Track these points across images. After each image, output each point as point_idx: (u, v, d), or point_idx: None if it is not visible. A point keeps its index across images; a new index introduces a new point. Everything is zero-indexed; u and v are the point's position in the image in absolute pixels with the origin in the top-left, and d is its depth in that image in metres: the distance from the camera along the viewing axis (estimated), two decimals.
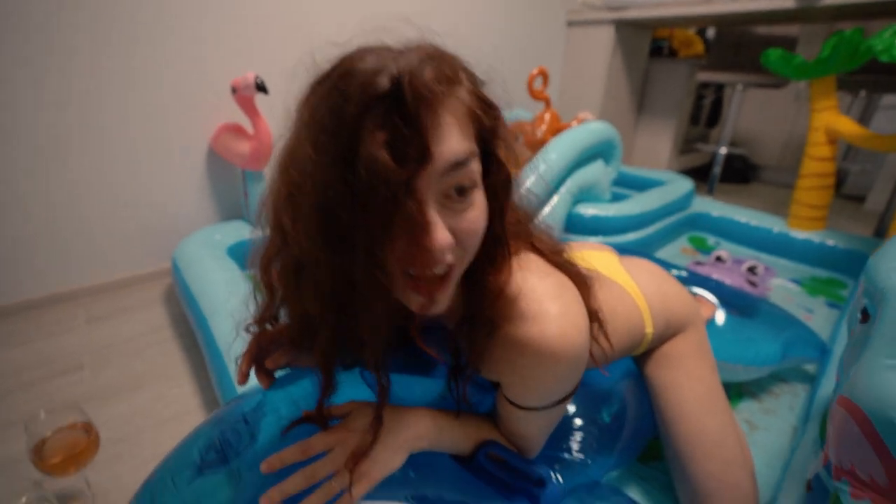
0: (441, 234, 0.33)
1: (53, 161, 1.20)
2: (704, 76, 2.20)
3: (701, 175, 2.55)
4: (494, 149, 0.37)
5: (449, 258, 0.35)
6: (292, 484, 0.39)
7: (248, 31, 1.38)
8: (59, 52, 1.13)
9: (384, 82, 0.30)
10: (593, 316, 0.44)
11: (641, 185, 1.91)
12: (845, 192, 2.64)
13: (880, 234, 1.67)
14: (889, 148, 1.37)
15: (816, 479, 0.51)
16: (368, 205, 0.31)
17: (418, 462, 0.45)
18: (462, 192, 0.34)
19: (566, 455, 0.60)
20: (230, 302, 0.97)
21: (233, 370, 0.79)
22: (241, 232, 1.37)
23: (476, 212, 0.35)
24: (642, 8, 2.05)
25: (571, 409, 0.63)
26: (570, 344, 0.40)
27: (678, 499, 0.66)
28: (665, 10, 1.98)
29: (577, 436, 0.62)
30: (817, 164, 1.54)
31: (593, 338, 0.45)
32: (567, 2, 2.29)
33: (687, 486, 0.63)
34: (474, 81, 0.36)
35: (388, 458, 0.41)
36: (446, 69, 0.33)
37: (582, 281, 0.44)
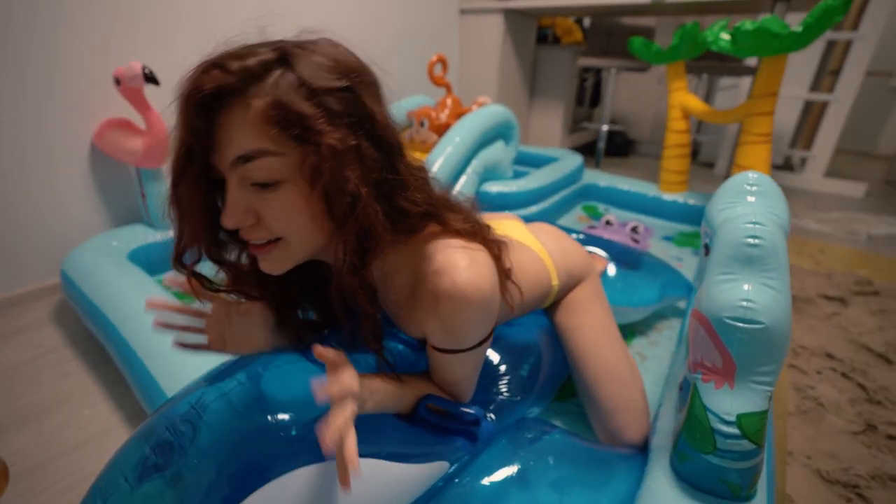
0: (229, 216, 0.42)
1: None
2: (585, 61, 2.45)
3: (587, 151, 2.83)
4: (315, 155, 0.40)
5: (256, 235, 0.43)
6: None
7: (131, 18, 1.26)
8: None
9: (184, 86, 0.39)
10: (504, 273, 0.53)
11: (538, 163, 2.09)
12: (700, 160, 3.11)
13: None
14: (725, 121, 1.67)
15: (685, 381, 0.66)
16: (177, 172, 0.42)
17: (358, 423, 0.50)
18: (263, 182, 0.41)
19: (496, 398, 0.69)
20: (143, 307, 0.92)
21: (162, 376, 0.76)
22: (142, 236, 1.27)
23: (279, 201, 0.42)
24: None
25: (496, 357, 0.73)
26: (478, 290, 0.47)
27: (590, 423, 0.80)
28: (545, 0, 2.16)
29: (504, 381, 0.71)
30: (676, 136, 1.82)
31: (505, 290, 0.54)
32: None
33: (595, 407, 0.76)
34: (303, 87, 0.39)
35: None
36: (230, 80, 0.38)
37: (491, 244, 0.52)
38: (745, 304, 0.49)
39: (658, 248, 1.62)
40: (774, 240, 0.52)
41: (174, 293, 1.23)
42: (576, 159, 2.07)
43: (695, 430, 0.52)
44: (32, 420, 0.88)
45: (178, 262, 0.48)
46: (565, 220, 1.89)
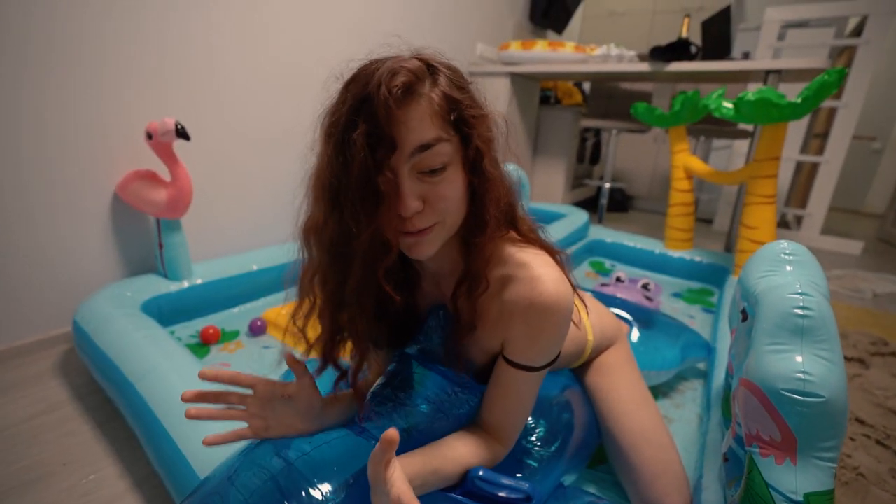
0: (409, 200, 0.45)
1: None
2: (587, 122, 2.56)
3: (588, 206, 2.90)
4: (470, 137, 0.47)
5: (421, 222, 0.47)
6: None
7: (162, 75, 1.31)
8: None
9: (363, 92, 0.43)
10: (567, 276, 0.54)
11: (546, 219, 2.13)
12: (698, 216, 3.20)
13: (729, 249, 2.06)
14: (729, 182, 1.74)
15: (730, 451, 0.64)
16: (352, 178, 0.44)
17: None
18: (434, 168, 0.46)
19: (532, 460, 0.67)
20: (161, 363, 0.89)
21: (180, 436, 0.73)
22: (156, 286, 1.25)
23: (447, 184, 0.47)
24: (531, 64, 2.35)
25: (531, 420, 0.70)
26: (564, 298, 0.50)
27: (626, 492, 0.76)
28: (550, 66, 2.30)
29: (539, 445, 0.68)
30: (681, 195, 1.88)
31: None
32: (466, 54, 2.53)
33: (632, 474, 0.73)
34: (451, 83, 0.47)
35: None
36: (414, 78, 0.44)
37: (556, 254, 0.55)
38: (801, 376, 0.49)
39: (668, 306, 1.62)
40: (823, 310, 0.53)
41: (191, 346, 1.20)
42: (582, 216, 2.12)
43: None
44: (32, 486, 0.82)
45: (385, 273, 0.48)
46: (573, 277, 1.90)
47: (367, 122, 0.43)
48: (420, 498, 0.48)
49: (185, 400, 0.50)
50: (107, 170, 1.26)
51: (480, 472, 0.52)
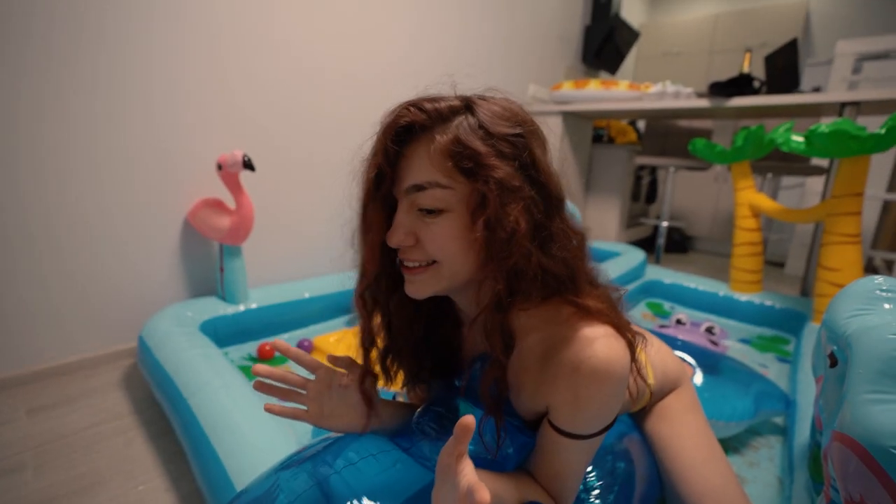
0: (395, 233, 0.47)
1: (12, 226, 1.13)
2: (642, 160, 2.50)
3: (644, 246, 2.78)
4: (483, 187, 0.43)
5: (413, 256, 0.48)
6: None
7: (229, 110, 1.44)
8: (28, 118, 1.11)
9: (386, 122, 0.46)
10: (636, 364, 0.49)
11: (598, 258, 2.05)
12: (767, 258, 2.97)
13: (805, 293, 1.88)
14: (803, 220, 1.61)
15: None
16: (361, 201, 0.49)
17: None
18: (429, 210, 0.46)
19: None
20: (212, 381, 0.92)
21: (226, 453, 0.73)
22: (214, 308, 1.31)
23: (441, 229, 0.46)
24: (583, 103, 2.36)
25: (590, 469, 0.65)
26: (619, 363, 0.45)
27: None
28: (604, 105, 2.29)
29: (598, 494, 0.62)
30: (747, 234, 1.76)
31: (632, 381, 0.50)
32: (518, 95, 2.58)
33: None
34: (481, 127, 0.45)
35: None
36: (422, 118, 0.45)
37: (626, 333, 0.48)
38: None
39: (737, 353, 1.48)
40: None
41: (242, 367, 1.23)
42: (638, 255, 2.03)
43: None
44: (86, 492, 0.85)
45: (360, 298, 0.53)
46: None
47: (383, 155, 0.46)
48: None
49: (255, 373, 0.52)
50: (177, 197, 1.37)
51: None
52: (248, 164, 1.23)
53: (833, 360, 0.60)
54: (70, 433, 1.02)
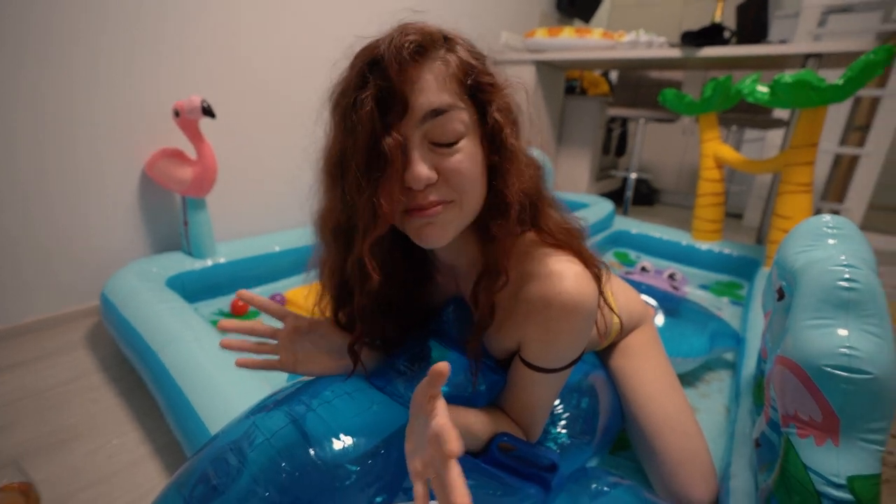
0: (418, 168, 0.41)
1: None
2: (614, 111, 2.50)
3: (613, 198, 2.84)
4: (488, 107, 0.44)
5: (433, 196, 0.43)
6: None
7: (188, 54, 1.33)
8: None
9: (373, 53, 0.41)
10: (599, 286, 0.50)
11: (570, 208, 2.09)
12: (727, 210, 3.09)
13: (760, 241, 1.98)
14: (764, 170, 1.66)
15: (763, 436, 0.61)
16: (357, 142, 0.41)
17: None
18: (447, 138, 0.42)
19: (552, 447, 0.65)
20: (183, 334, 0.90)
21: (200, 403, 0.74)
22: (180, 263, 1.27)
23: (461, 155, 0.43)
24: (557, 51, 2.30)
25: (557, 402, 0.68)
26: (588, 298, 0.46)
27: (649, 479, 0.73)
28: (577, 53, 2.25)
29: (565, 426, 0.66)
30: (710, 184, 1.82)
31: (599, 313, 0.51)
32: (490, 42, 2.49)
33: (656, 461, 0.70)
34: (468, 52, 0.44)
35: None
36: (428, 39, 0.42)
37: (591, 265, 0.50)
38: (846, 351, 0.46)
39: (695, 297, 1.56)
40: (871, 283, 0.49)
41: (213, 322, 1.22)
42: (606, 206, 2.07)
43: (794, 492, 0.47)
44: (59, 448, 0.85)
45: (370, 253, 0.44)
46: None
47: (377, 81, 0.40)
48: None
49: (221, 328, 0.51)
50: (135, 148, 1.29)
51: (506, 438, 0.51)
52: (207, 111, 1.15)
53: (781, 294, 0.65)
54: (37, 392, 1.00)
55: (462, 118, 0.42)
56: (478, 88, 0.44)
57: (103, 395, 1.00)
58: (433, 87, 0.41)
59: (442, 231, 0.45)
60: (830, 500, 0.44)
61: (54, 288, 1.24)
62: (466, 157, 0.43)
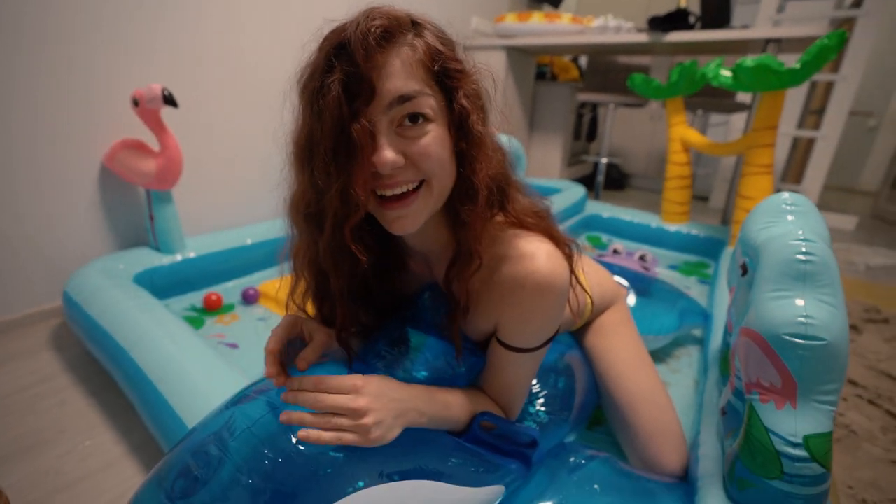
0: (386, 152, 0.41)
1: None
2: (584, 97, 2.53)
3: (585, 183, 2.88)
4: (455, 93, 0.44)
5: (401, 177, 0.43)
6: (304, 397, 0.42)
7: (147, 41, 1.27)
8: None
9: (340, 37, 0.40)
10: (573, 274, 0.52)
11: (543, 194, 2.11)
12: (694, 193, 3.19)
13: (725, 222, 2.06)
14: (728, 152, 1.72)
15: (728, 405, 0.64)
16: (324, 127, 0.40)
17: (416, 440, 0.48)
18: (414, 119, 0.42)
19: (537, 420, 0.67)
20: (154, 331, 0.88)
21: (176, 400, 0.72)
22: (148, 259, 1.23)
23: (428, 138, 0.43)
24: (527, 37, 2.31)
25: (535, 382, 0.70)
26: (560, 277, 0.47)
27: (624, 452, 0.77)
28: (547, 38, 2.25)
29: (543, 404, 0.68)
30: (678, 168, 1.87)
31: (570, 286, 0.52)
32: (461, 28, 2.48)
33: (630, 433, 0.73)
34: (436, 37, 0.44)
35: (387, 427, 0.43)
36: (395, 24, 0.41)
37: (562, 245, 0.51)
38: (803, 319, 0.48)
39: (665, 277, 1.62)
40: (825, 256, 0.52)
41: (186, 318, 1.19)
42: (579, 190, 2.11)
43: (756, 453, 0.50)
44: (29, 452, 0.82)
45: (351, 238, 0.44)
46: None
47: (344, 66, 0.39)
48: (427, 443, 0.48)
49: (270, 376, 0.47)
50: (93, 140, 1.23)
51: (487, 417, 0.52)
52: (168, 99, 1.11)
53: (744, 270, 0.68)
54: (3, 396, 0.96)
55: (429, 104, 0.42)
56: (445, 74, 0.43)
57: (71, 397, 0.96)
58: (400, 73, 0.41)
59: (414, 219, 0.45)
60: (788, 458, 0.47)
61: (14, 288, 1.18)
62: (433, 140, 0.43)
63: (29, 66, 1.09)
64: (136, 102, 1.14)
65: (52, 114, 1.15)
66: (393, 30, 0.41)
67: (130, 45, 1.24)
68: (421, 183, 0.44)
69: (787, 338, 0.49)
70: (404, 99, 0.41)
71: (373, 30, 0.39)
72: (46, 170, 1.17)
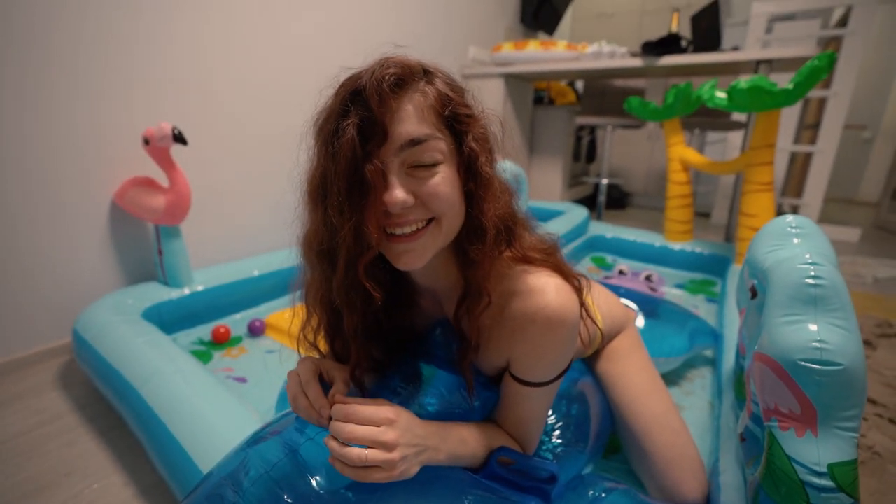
0: (397, 192, 0.43)
1: None
2: (583, 120, 2.58)
3: (585, 204, 2.91)
4: (464, 137, 0.46)
5: (411, 216, 0.44)
6: (337, 427, 0.42)
7: (157, 81, 1.31)
8: None
9: (356, 84, 0.43)
10: (584, 307, 0.52)
11: (545, 217, 2.13)
12: (695, 210, 3.21)
13: (729, 238, 2.06)
14: (726, 171, 1.74)
15: (747, 431, 0.63)
16: (339, 168, 0.42)
17: (433, 477, 0.47)
18: (425, 164, 0.44)
19: (547, 455, 0.66)
20: (164, 368, 0.88)
21: (187, 440, 0.71)
22: (156, 294, 1.24)
23: (438, 179, 0.44)
24: (524, 64, 2.37)
25: (549, 413, 0.69)
26: (570, 310, 0.48)
27: (641, 480, 0.75)
28: (544, 65, 2.31)
29: (559, 435, 0.67)
30: (678, 187, 1.89)
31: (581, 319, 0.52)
32: (459, 58, 2.55)
33: (646, 461, 0.71)
34: (446, 84, 0.46)
35: (410, 463, 0.43)
36: (408, 72, 0.43)
37: (570, 278, 0.51)
38: (817, 345, 0.48)
39: (672, 297, 1.61)
40: (834, 279, 0.52)
41: (194, 352, 1.18)
42: (581, 212, 2.12)
43: (780, 483, 0.49)
44: (35, 497, 0.81)
45: (364, 274, 0.45)
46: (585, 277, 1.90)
47: (359, 111, 0.42)
48: (444, 480, 0.47)
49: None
50: (104, 177, 1.25)
51: (504, 452, 0.51)
52: (178, 138, 1.14)
53: (754, 293, 0.68)
54: (7, 439, 0.95)
55: (440, 147, 0.44)
56: (455, 119, 0.46)
57: (80, 438, 0.95)
58: (412, 118, 0.43)
59: (421, 255, 0.46)
60: (814, 488, 0.46)
61: (23, 326, 1.18)
62: (443, 181, 0.44)
63: (42, 104, 1.12)
64: (146, 141, 1.17)
65: (61, 152, 1.17)
66: (406, 77, 0.43)
67: (142, 86, 1.28)
68: (430, 220, 0.46)
69: (803, 363, 0.48)
70: (415, 142, 0.43)
71: (387, 77, 0.41)
72: (55, 206, 1.19)
